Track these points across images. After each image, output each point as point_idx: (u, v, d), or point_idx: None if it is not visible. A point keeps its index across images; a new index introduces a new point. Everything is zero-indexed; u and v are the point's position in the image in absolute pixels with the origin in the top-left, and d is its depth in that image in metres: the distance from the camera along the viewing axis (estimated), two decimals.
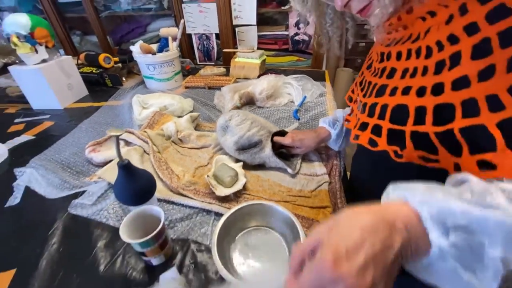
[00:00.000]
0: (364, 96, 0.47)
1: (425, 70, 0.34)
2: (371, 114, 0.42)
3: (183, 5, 1.74)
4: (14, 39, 0.90)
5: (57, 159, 0.75)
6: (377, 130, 0.41)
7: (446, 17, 0.32)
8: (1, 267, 0.49)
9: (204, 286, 0.44)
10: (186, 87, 1.20)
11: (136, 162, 0.70)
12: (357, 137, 0.46)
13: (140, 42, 1.13)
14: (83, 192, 0.63)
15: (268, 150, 0.68)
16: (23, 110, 1.06)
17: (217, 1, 1.68)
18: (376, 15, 0.38)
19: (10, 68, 0.97)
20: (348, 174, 0.72)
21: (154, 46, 1.20)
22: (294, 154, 0.72)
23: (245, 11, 1.71)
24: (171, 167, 0.70)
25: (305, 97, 1.03)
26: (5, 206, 0.62)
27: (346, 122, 0.56)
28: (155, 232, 0.43)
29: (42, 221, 0.57)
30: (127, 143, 0.77)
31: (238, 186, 0.61)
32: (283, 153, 0.73)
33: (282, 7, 1.72)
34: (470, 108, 0.30)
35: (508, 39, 0.27)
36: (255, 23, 1.72)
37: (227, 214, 0.50)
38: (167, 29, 1.19)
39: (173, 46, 1.18)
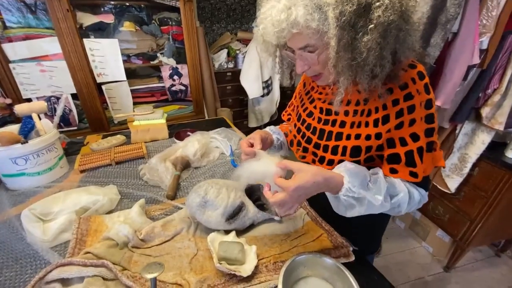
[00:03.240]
0: (319, 139, 0.64)
1: (366, 124, 0.57)
2: (334, 153, 0.61)
3: (10, 65, 1.32)
4: None
5: None
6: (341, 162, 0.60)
7: (377, 94, 0.53)
8: None
9: None
10: (82, 171, 0.93)
11: None
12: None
13: None
14: None
15: (252, 208, 0.70)
16: None
17: (67, 59, 1.40)
18: (322, 81, 0.60)
19: None
20: None
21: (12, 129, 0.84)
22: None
23: (109, 68, 1.55)
24: (159, 279, 0.55)
25: (231, 146, 1.10)
26: None
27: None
28: None
29: None
30: (64, 281, 0.53)
31: (252, 256, 0.59)
32: (261, 205, 0.77)
33: (151, 62, 1.70)
34: (391, 143, 0.55)
35: (410, 110, 0.52)
36: (125, 79, 1.58)
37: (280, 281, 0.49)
38: (27, 105, 0.88)
39: (43, 125, 0.89)
